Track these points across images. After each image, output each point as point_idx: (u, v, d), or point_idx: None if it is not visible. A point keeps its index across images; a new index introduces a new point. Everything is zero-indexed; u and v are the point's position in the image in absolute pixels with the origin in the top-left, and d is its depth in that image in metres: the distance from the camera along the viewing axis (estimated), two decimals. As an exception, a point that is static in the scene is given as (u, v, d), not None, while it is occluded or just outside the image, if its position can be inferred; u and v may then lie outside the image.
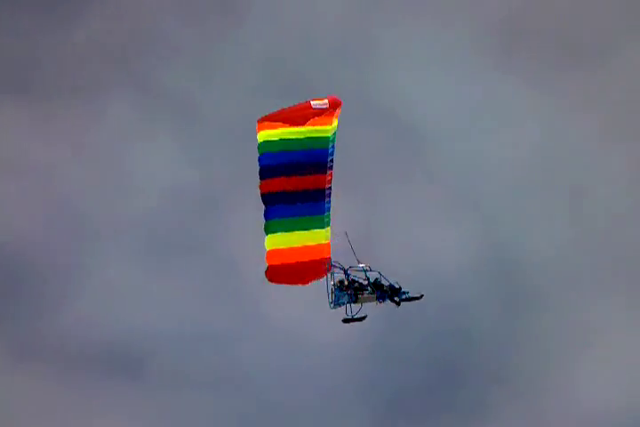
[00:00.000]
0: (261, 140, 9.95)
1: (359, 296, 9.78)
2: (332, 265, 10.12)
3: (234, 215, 29.03)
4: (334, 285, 9.79)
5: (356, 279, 9.86)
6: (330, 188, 10.12)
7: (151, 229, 29.20)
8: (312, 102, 9.55)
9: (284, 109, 9.66)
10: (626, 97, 26.44)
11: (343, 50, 29.54)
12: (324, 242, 10.22)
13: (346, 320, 9.92)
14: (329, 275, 9.99)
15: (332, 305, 9.85)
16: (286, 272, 10.27)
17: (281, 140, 9.89)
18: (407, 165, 27.04)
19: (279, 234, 10.25)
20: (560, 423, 23.07)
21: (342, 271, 10.01)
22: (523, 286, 25.34)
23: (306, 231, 10.22)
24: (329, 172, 10.06)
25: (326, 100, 9.58)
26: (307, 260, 10.23)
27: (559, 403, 23.20)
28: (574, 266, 24.09)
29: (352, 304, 9.88)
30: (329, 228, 10.24)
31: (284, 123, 9.62)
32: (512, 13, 28.72)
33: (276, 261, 10.27)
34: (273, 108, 9.57)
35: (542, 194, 25.83)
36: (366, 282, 9.86)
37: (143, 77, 30.94)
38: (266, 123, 9.76)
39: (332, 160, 10.09)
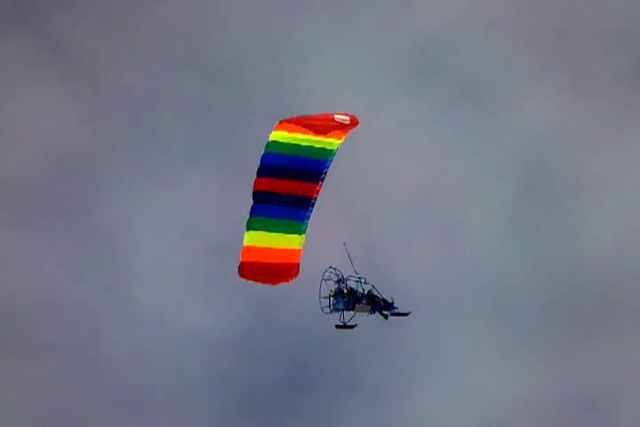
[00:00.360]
0: (272, 140, 10.08)
1: (356, 305, 10.16)
2: (330, 271, 10.41)
3: (118, 181, 28.00)
4: (335, 291, 10.08)
5: (354, 289, 10.23)
6: (316, 198, 10.42)
7: (21, 188, 27.46)
8: (335, 115, 9.86)
9: (307, 116, 9.91)
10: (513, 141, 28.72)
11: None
12: (297, 247, 10.52)
13: (339, 326, 10.26)
14: (322, 281, 10.27)
15: (329, 310, 10.14)
16: (258, 270, 10.45)
17: (291, 143, 10.09)
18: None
19: (259, 232, 10.43)
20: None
21: (337, 278, 10.30)
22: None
23: (285, 234, 10.46)
24: (320, 183, 10.38)
25: (348, 117, 9.92)
26: (279, 262, 10.48)
27: (403, 414, 24.88)
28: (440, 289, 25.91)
29: (346, 311, 10.23)
30: (304, 235, 10.55)
31: (304, 128, 9.83)
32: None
33: (251, 259, 10.43)
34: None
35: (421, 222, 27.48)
36: (362, 293, 10.24)
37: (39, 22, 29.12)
38: (285, 125, 9.94)
39: (325, 173, 10.41)
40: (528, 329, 25.11)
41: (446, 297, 25.71)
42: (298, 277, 10.52)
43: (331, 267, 10.38)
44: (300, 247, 10.51)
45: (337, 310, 10.18)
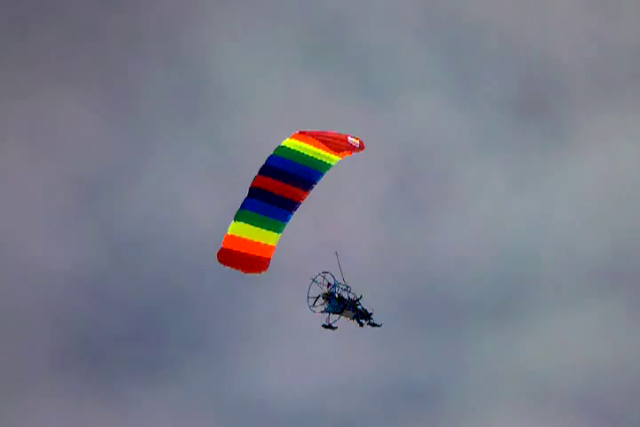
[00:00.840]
0: (283, 145, 10.91)
1: (344, 311, 11.27)
2: (322, 275, 11.40)
3: None
4: (327, 294, 11.07)
5: (343, 296, 11.32)
6: (301, 204, 11.44)
7: None
8: (349, 138, 10.94)
9: (323, 132, 10.86)
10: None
11: None
12: (273, 244, 11.49)
13: (324, 326, 11.28)
14: (313, 282, 11.24)
15: (319, 310, 11.13)
16: (234, 258, 11.28)
17: (299, 152, 10.97)
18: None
19: (244, 224, 11.24)
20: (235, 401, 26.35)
21: (329, 283, 11.30)
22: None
23: (266, 231, 11.37)
24: (309, 191, 11.41)
25: (358, 142, 11.05)
26: (255, 254, 11.38)
27: (248, 378, 26.43)
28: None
29: (332, 314, 11.31)
30: (281, 234, 11.54)
31: (318, 142, 10.79)
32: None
33: (231, 246, 11.22)
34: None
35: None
36: (349, 300, 11.36)
37: None
38: (301, 135, 10.83)
39: (316, 183, 11.44)
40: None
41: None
42: (266, 271, 11.49)
43: (327, 272, 11.30)
44: (275, 245, 11.46)
45: (327, 312, 11.27)
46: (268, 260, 11.45)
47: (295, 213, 11.42)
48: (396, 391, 26.82)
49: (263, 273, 11.52)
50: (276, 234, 11.36)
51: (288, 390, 27.08)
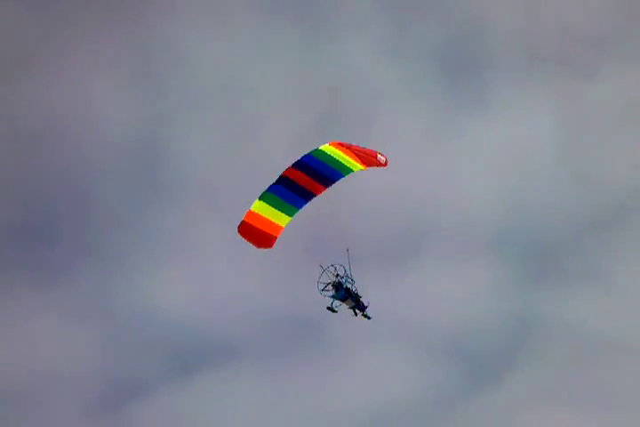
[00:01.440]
0: (321, 149, 12.62)
1: (347, 299, 13.27)
2: (335, 266, 13.24)
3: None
4: (336, 283, 13.01)
5: (350, 288, 13.30)
6: (316, 196, 13.25)
7: None
8: (378, 155, 12.85)
9: (359, 147, 12.68)
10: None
11: None
12: (283, 226, 13.32)
13: (328, 308, 13.19)
14: (324, 271, 13.06)
15: (327, 295, 13.05)
16: (250, 231, 13.04)
17: (330, 155, 12.71)
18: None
19: (266, 204, 12.95)
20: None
21: (338, 273, 13.20)
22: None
23: (281, 213, 13.14)
24: (328, 187, 13.24)
25: (384, 159, 12.97)
26: (267, 231, 13.18)
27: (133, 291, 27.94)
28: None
29: (337, 300, 13.30)
30: (291, 218, 13.36)
31: (350, 152, 12.60)
32: None
33: (250, 221, 12.96)
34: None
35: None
36: (354, 293, 13.34)
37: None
38: (337, 144, 12.60)
39: (335, 182, 13.24)
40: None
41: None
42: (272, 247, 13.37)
43: (340, 265, 13.18)
44: (284, 226, 13.26)
45: (333, 297, 13.29)
46: (276, 238, 13.26)
47: (309, 203, 13.22)
48: (285, 320, 29.49)
49: (269, 249, 13.35)
50: (288, 217, 13.14)
51: (180, 306, 28.99)
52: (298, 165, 12.68)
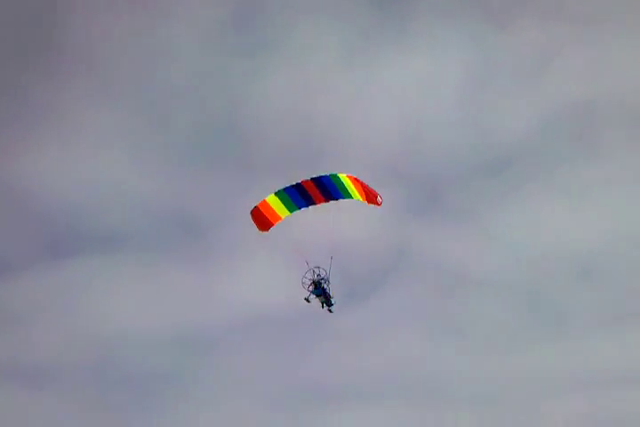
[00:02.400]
0: (337, 175, 16.07)
1: (320, 296, 16.73)
2: (317, 268, 16.65)
3: None
4: (316, 282, 16.51)
5: (325, 288, 16.72)
6: (316, 205, 16.69)
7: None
8: (378, 197, 16.29)
9: (368, 186, 16.12)
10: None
11: None
12: (282, 217, 16.84)
13: (305, 299, 16.65)
14: (309, 270, 16.56)
15: (308, 290, 16.60)
16: (258, 216, 16.60)
17: (343, 184, 16.13)
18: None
19: (276, 198, 16.46)
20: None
21: (319, 275, 16.60)
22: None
23: (284, 207, 16.64)
24: (328, 201, 16.68)
25: (381, 201, 16.40)
26: (269, 219, 16.75)
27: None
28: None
29: (313, 295, 16.80)
30: (290, 214, 16.80)
31: (360, 185, 16.00)
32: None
33: (261, 208, 16.50)
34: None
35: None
36: (327, 293, 16.73)
37: None
38: (351, 177, 16.06)
39: (335, 200, 16.65)
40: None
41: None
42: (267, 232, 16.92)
43: (321, 267, 16.61)
44: (283, 218, 16.73)
45: (311, 292, 16.72)
46: (273, 225, 16.80)
47: (309, 208, 16.72)
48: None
49: (264, 233, 16.93)
50: (288, 213, 16.67)
51: (64, 190, 30.07)
52: (315, 179, 16.17)
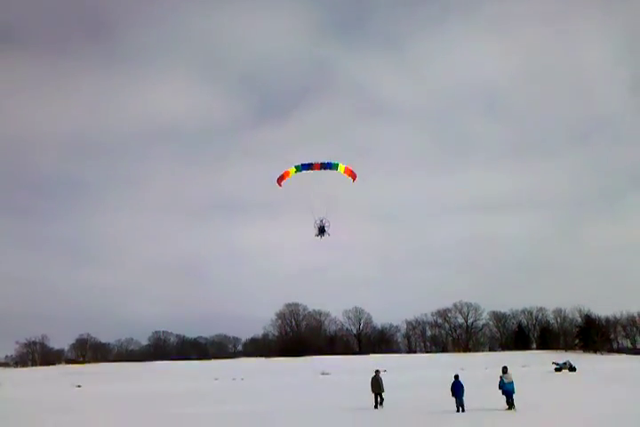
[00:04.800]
0: (337, 163, 26.07)
1: (323, 233, 26.31)
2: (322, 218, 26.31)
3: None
4: (321, 227, 26.16)
5: (325, 229, 26.21)
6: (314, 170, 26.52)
7: None
8: (355, 178, 26.44)
9: (353, 171, 26.20)
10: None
11: None
12: (291, 176, 26.55)
13: (316, 235, 26.20)
14: (316, 220, 26.40)
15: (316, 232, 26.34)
16: (280, 178, 26.38)
17: (338, 166, 26.12)
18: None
19: (294, 169, 26.27)
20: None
21: (322, 222, 26.22)
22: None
23: (294, 170, 26.40)
24: (322, 169, 26.50)
25: (352, 179, 26.56)
26: (284, 176, 26.51)
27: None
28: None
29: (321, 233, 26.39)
30: (296, 173, 26.55)
31: (350, 171, 26.18)
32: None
33: (283, 174, 26.29)
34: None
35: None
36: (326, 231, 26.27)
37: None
38: (347, 168, 26.16)
39: (327, 168, 26.66)
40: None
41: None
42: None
43: (325, 218, 26.27)
44: (290, 176, 26.47)
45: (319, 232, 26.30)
46: (284, 180, 26.51)
47: (309, 171, 26.44)
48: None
49: (280, 188, 26.61)
50: (294, 173, 26.42)
51: None
52: (321, 163, 26.09)
